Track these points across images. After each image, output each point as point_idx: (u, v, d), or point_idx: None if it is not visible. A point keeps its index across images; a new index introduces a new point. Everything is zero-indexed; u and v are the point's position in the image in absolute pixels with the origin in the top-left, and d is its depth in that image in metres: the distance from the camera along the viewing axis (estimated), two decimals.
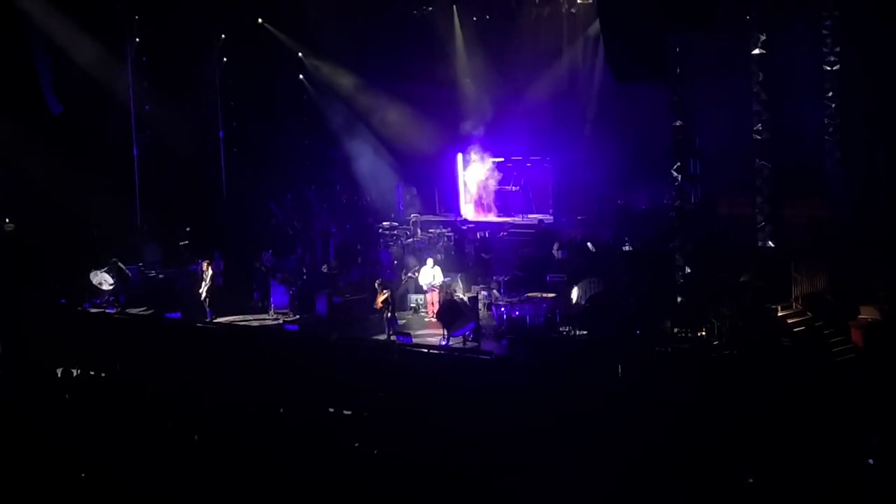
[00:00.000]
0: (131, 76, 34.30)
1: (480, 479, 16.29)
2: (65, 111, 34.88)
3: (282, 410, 20.60)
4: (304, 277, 29.04)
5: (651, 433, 18.41)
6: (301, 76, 35.84)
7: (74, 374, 25.11)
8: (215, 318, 27.83)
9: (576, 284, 25.17)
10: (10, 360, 26.30)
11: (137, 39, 34.08)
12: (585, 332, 23.41)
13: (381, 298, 25.27)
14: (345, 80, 35.33)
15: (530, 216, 31.61)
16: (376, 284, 25.63)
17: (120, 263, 30.33)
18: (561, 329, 23.94)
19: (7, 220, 35.15)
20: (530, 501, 15.65)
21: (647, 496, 15.17)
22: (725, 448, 17.60)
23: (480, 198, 33.07)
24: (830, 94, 25.33)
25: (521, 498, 15.78)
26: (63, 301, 30.52)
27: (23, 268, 32.24)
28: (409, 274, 27.52)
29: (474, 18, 34.31)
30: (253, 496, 15.94)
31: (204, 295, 28.12)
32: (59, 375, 24.73)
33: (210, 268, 28.48)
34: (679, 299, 23.07)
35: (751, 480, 15.54)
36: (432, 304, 26.11)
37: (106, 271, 30.02)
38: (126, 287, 30.06)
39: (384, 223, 31.93)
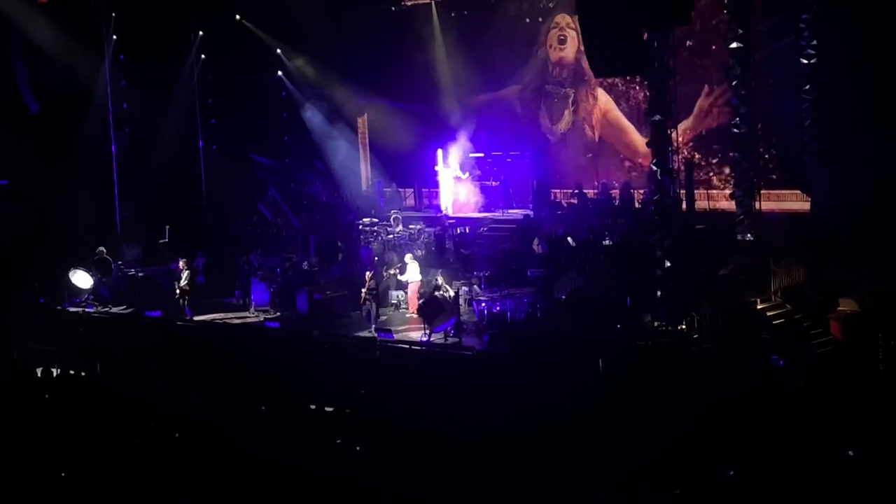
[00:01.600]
0: (109, 74, 34.15)
1: (463, 473, 16.32)
2: (42, 109, 34.73)
3: (263, 408, 20.59)
4: (287, 274, 28.95)
5: (632, 427, 18.49)
6: (280, 73, 35.73)
7: (54, 373, 25.03)
8: (194, 317, 27.74)
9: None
10: None
11: (115, 37, 33.93)
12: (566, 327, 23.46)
13: (366, 286, 25.32)
14: (324, 77, 35.24)
15: (511, 211, 31.59)
16: (366, 276, 25.67)
17: (106, 255, 30.26)
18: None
19: None
20: (513, 495, 15.70)
21: (629, 489, 15.21)
22: (706, 441, 17.69)
23: (460, 193, 33.02)
24: (808, 87, 25.37)
25: (505, 492, 15.82)
26: (42, 300, 30.40)
27: (1, 268, 32.12)
28: (391, 270, 27.52)
29: (452, 14, 34.26)
30: (234, 494, 15.93)
31: (180, 293, 28.05)
32: (38, 375, 24.67)
33: (187, 266, 28.41)
34: (659, 293, 23.11)
35: (731, 473, 15.62)
36: (413, 300, 26.10)
37: (86, 269, 29.94)
38: (108, 281, 29.94)
39: (364, 220, 31.87)
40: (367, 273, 25.80)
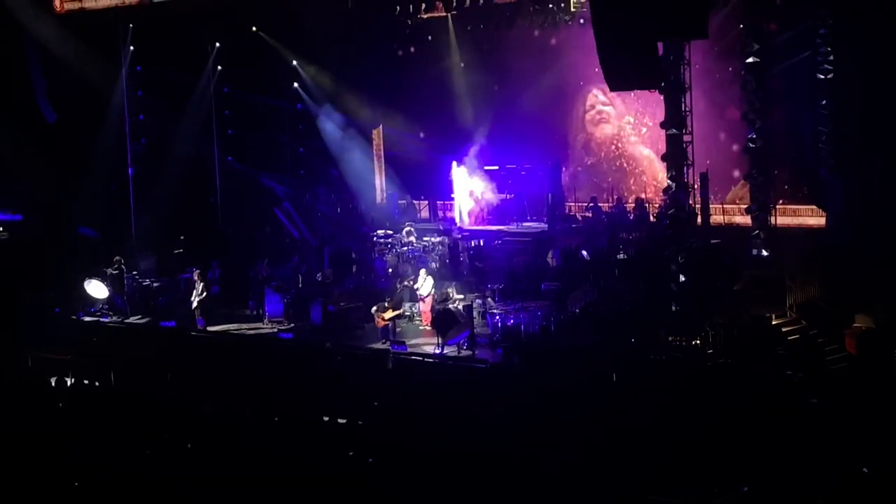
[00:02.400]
0: (125, 85, 34.26)
1: (476, 486, 16.28)
2: (59, 119, 34.89)
3: (276, 419, 20.58)
4: (300, 286, 29.02)
5: (645, 441, 18.42)
6: (296, 84, 35.79)
7: (68, 382, 25.08)
8: (208, 327, 27.78)
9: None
10: (4, 370, 26.28)
11: (132, 48, 34.04)
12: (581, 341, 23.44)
13: (389, 315, 25.23)
14: (339, 89, 35.28)
15: (525, 224, 31.58)
16: (386, 302, 25.61)
17: (123, 265, 30.34)
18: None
19: (1, 229, 35.15)
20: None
21: None
22: (720, 456, 17.61)
23: (475, 206, 33.03)
24: (824, 101, 25.31)
25: (516, 502, 15.80)
26: (57, 310, 30.48)
27: (16, 277, 32.25)
28: (405, 283, 27.52)
29: (468, 27, 34.25)
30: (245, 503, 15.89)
31: (195, 304, 28.11)
32: (53, 384, 24.70)
33: (200, 277, 28.48)
34: (674, 307, 23.05)
35: (746, 489, 15.55)
36: (426, 312, 26.08)
37: (101, 279, 30.04)
38: (122, 292, 30.01)
39: (379, 231, 31.88)
40: (387, 300, 25.73)
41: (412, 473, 16.98)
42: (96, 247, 32.99)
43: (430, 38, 35.31)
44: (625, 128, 33.06)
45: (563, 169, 33.11)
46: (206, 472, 17.53)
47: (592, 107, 33.58)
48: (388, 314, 25.28)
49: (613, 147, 33.35)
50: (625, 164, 33.12)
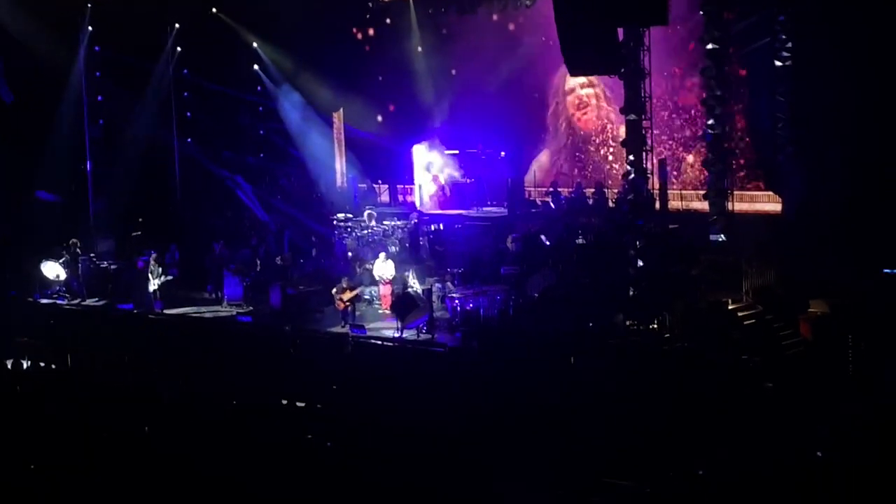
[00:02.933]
0: (83, 65, 33.97)
1: (433, 468, 16.31)
2: (16, 100, 34.54)
3: (234, 402, 20.55)
4: (258, 269, 28.96)
5: (603, 425, 18.53)
6: (256, 66, 35.63)
7: (24, 365, 24.90)
8: (165, 310, 27.68)
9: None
10: None
11: (90, 28, 33.74)
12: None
13: (348, 296, 25.20)
14: (300, 71, 35.19)
15: (485, 209, 31.64)
16: (343, 283, 25.54)
17: (78, 248, 30.17)
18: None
19: None
20: (483, 490, 15.68)
21: (598, 487, 15.21)
22: (676, 439, 17.74)
23: (436, 190, 33.06)
24: (782, 89, 25.46)
25: (474, 486, 15.81)
26: (13, 292, 30.25)
27: None
28: (365, 266, 27.51)
29: (430, 10, 34.21)
30: (202, 488, 15.83)
31: (154, 287, 28.01)
32: (9, 367, 24.51)
33: (158, 260, 28.38)
34: (632, 292, 23.16)
35: (701, 472, 15.65)
36: (386, 296, 26.08)
37: (59, 261, 29.84)
38: (78, 274, 29.85)
39: (339, 215, 31.86)
40: (344, 280, 25.67)
41: (370, 456, 17.01)
42: (54, 223, 32.72)
43: (391, 19, 35.24)
44: (611, 114, 32.70)
45: (539, 154, 33.11)
46: (164, 457, 17.50)
47: (572, 90, 33.42)
48: (347, 295, 25.22)
49: (602, 133, 33.22)
50: (611, 151, 32.90)
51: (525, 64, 33.09)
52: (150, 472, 16.51)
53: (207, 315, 27.52)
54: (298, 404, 21.41)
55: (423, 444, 18.03)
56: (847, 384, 20.21)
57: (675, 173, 29.68)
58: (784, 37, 25.03)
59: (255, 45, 35.13)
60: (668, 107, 29.91)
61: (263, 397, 21.69)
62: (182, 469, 16.59)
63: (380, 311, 26.24)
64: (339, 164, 35.48)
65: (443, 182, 33.04)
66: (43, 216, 33.97)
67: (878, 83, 22.27)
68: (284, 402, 21.31)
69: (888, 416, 17.61)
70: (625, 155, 23.78)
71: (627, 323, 22.91)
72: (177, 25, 34.31)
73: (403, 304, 24.58)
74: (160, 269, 28.28)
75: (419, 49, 34.71)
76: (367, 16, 35.40)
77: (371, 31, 35.83)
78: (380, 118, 35.70)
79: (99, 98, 34.26)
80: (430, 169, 33.00)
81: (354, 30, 35.72)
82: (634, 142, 23.40)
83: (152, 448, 18.12)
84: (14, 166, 33.76)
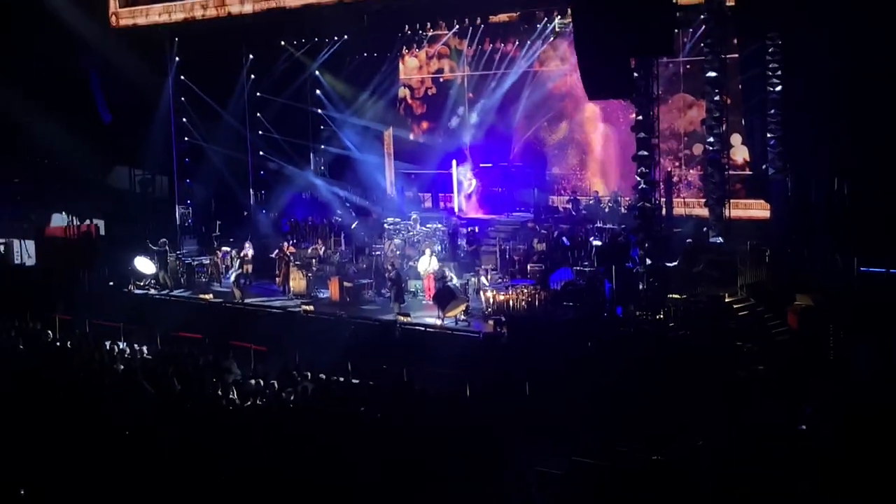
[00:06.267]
0: (171, 92, 34.34)
1: (467, 434, 16.41)
2: (114, 121, 35.03)
3: (298, 379, 20.70)
4: (320, 264, 29.15)
5: (612, 400, 18.59)
6: (318, 91, 35.81)
7: (120, 347, 25.18)
8: (244, 299, 27.92)
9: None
10: (67, 338, 26.40)
11: (177, 59, 34.09)
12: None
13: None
14: (354, 95, 35.32)
15: (514, 214, 31.67)
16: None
17: (167, 247, 30.53)
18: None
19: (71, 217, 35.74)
20: (508, 453, 15.78)
21: (608, 452, 15.21)
22: (679, 414, 17.73)
23: (472, 198, 33.13)
24: (772, 111, 25.37)
25: (501, 450, 15.91)
26: (111, 283, 30.63)
27: (75, 253, 32.54)
28: (411, 263, 27.65)
29: (466, 43, 34.21)
30: (276, 455, 15.93)
31: (232, 279, 28.35)
32: (107, 348, 24.78)
33: (236, 256, 28.72)
34: (641, 286, 23.15)
35: (700, 443, 15.66)
36: (429, 289, 26.19)
37: (152, 258, 30.22)
38: (163, 267, 30.20)
39: (389, 219, 31.98)
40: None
41: (412, 425, 17.12)
42: (147, 229, 33.12)
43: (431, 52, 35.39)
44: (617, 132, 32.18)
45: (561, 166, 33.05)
46: (242, 422, 17.71)
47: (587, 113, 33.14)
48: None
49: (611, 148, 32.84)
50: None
51: (546, 91, 32.98)
52: (227, 441, 16.67)
53: (275, 304, 27.69)
54: (353, 381, 21.56)
55: (460, 415, 18.14)
56: (828, 368, 20.15)
57: (678, 184, 29.55)
58: (774, 67, 24.90)
59: (317, 73, 35.26)
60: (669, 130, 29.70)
61: (323, 376, 21.84)
62: (257, 435, 16.77)
63: (423, 302, 26.32)
64: (389, 175, 35.59)
65: (476, 190, 33.06)
66: (139, 219, 34.53)
67: (852, 107, 22.13)
68: (342, 379, 21.46)
69: (859, 393, 17.64)
70: (635, 167, 23.71)
71: (637, 313, 22.87)
72: (250, 56, 34.55)
73: (444, 296, 24.67)
74: (238, 263, 28.57)
75: (462, 77, 34.71)
76: (414, 45, 35.45)
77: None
78: (424, 136, 35.76)
79: (184, 119, 34.60)
80: (468, 180, 33.05)
81: (404, 53, 35.77)
82: (644, 156, 23.35)
83: (243, 417, 18.36)
84: (112, 177, 34.37)
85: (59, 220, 36.99)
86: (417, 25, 33.50)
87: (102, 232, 35.93)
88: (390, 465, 14.97)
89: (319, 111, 35.94)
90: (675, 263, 23.90)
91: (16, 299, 28.89)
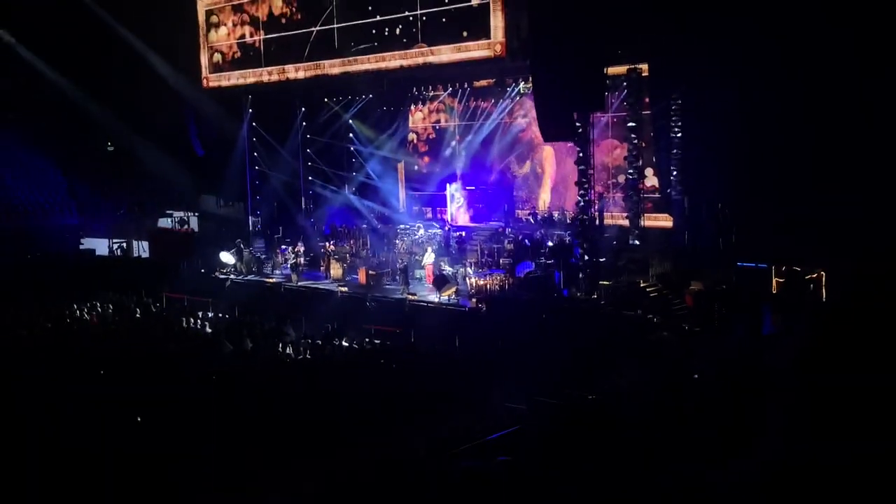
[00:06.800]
0: (247, 133, 34.31)
1: (454, 379, 16.47)
2: (205, 154, 35.02)
3: (335, 342, 20.77)
4: (351, 257, 29.16)
5: (559, 356, 18.64)
6: (351, 134, 35.75)
7: (209, 316, 25.25)
8: (298, 283, 27.92)
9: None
10: (171, 309, 26.46)
11: (250, 110, 34.10)
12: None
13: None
14: (379, 139, 35.18)
15: (490, 223, 31.65)
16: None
17: (242, 245, 30.53)
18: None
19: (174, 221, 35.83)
20: (484, 393, 15.84)
21: (557, 394, 15.19)
22: (608, 365, 17.73)
23: (460, 210, 33.06)
24: (675, 151, 25.16)
25: (478, 390, 15.96)
26: (202, 270, 30.65)
27: (178, 249, 32.56)
28: (416, 257, 27.69)
29: (457, 100, 34.11)
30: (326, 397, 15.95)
31: (289, 268, 28.38)
32: (200, 316, 24.82)
33: (292, 252, 28.77)
34: (580, 275, 23.23)
35: (623, 387, 15.67)
36: (429, 276, 26.22)
37: (232, 252, 30.24)
38: (239, 259, 30.17)
39: (401, 226, 31.98)
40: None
41: (418, 373, 17.19)
42: (228, 232, 33.21)
43: (432, 107, 35.28)
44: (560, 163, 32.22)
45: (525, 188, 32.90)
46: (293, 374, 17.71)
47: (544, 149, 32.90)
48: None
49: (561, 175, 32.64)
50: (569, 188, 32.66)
51: (514, 136, 32.89)
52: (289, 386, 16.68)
53: (320, 286, 27.70)
54: (376, 342, 21.62)
55: (449, 365, 18.21)
56: (713, 333, 20.25)
57: (607, 203, 29.56)
58: (676, 118, 24.94)
59: (350, 121, 35.20)
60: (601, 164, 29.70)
61: (355, 339, 21.91)
62: (312, 379, 16.79)
63: (425, 285, 26.38)
64: (401, 195, 35.50)
65: (464, 205, 32.97)
66: (222, 225, 34.57)
67: (730, 148, 22.15)
68: (367, 339, 21.52)
69: (735, 351, 17.75)
70: (577, 190, 23.79)
71: (577, 294, 22.97)
72: (302, 109, 34.53)
73: (440, 281, 24.74)
74: (293, 256, 28.57)
75: (455, 124, 34.63)
76: (419, 102, 35.33)
77: (421, 111, 35.76)
78: (426, 166, 35.70)
79: (254, 154, 34.57)
80: (458, 197, 32.98)
81: (413, 108, 35.65)
82: (583, 182, 23.45)
83: (296, 367, 18.35)
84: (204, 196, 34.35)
85: (164, 223, 37.08)
86: (421, 88, 33.48)
87: (196, 231, 35.98)
88: (400, 400, 15.06)
89: (352, 147, 35.70)
90: (604, 259, 23.95)
91: (135, 282, 28.96)
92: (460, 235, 29.73)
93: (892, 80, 19.03)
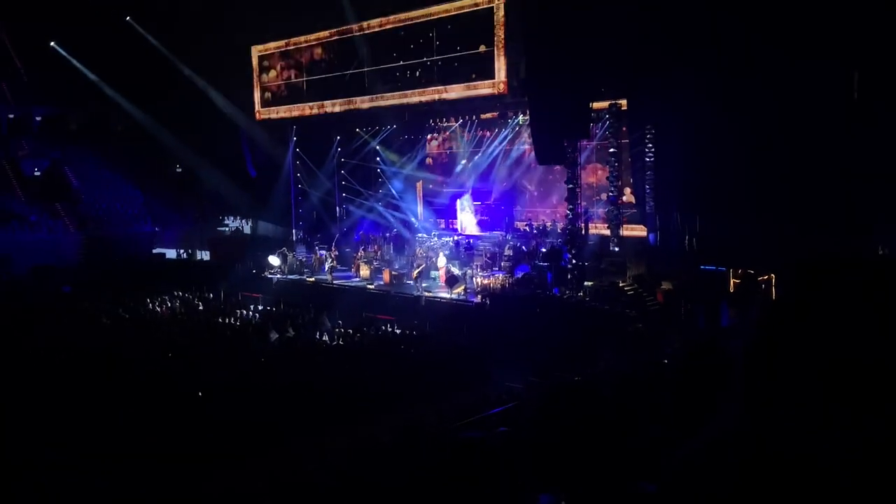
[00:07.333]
0: (291, 158, 34.48)
1: (461, 362, 16.43)
2: (258, 175, 35.22)
3: (364, 329, 20.78)
4: (377, 260, 29.18)
5: (550, 344, 18.58)
6: (378, 158, 35.84)
7: (259, 308, 25.33)
8: (333, 281, 27.99)
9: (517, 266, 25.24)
10: (227, 302, 26.48)
11: (294, 138, 34.25)
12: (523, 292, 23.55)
13: (415, 273, 25.17)
14: (401, 161, 35.21)
15: (494, 232, 31.58)
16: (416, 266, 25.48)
17: (286, 250, 30.64)
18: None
19: (226, 229, 35.80)
20: (485, 373, 15.80)
21: (548, 376, 15.16)
22: (590, 353, 17.65)
23: (469, 222, 33.02)
24: (649, 173, 24.98)
25: (482, 371, 15.91)
26: (254, 271, 30.78)
27: (234, 254, 32.67)
28: (432, 260, 27.68)
29: (467, 129, 34.09)
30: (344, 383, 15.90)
31: (326, 269, 28.44)
32: (252, 309, 24.91)
33: (328, 255, 28.82)
34: (569, 276, 23.18)
35: (604, 370, 15.58)
36: (442, 276, 26.22)
37: (278, 256, 30.34)
38: (284, 262, 30.29)
39: (419, 235, 32.00)
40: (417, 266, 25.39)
41: (429, 357, 17.16)
42: (274, 241, 33.31)
43: (445, 135, 35.27)
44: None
45: (522, 202, 32.79)
46: (329, 358, 17.68)
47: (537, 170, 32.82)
48: (415, 273, 25.30)
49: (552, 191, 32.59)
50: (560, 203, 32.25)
51: (513, 160, 32.80)
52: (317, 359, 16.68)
53: (352, 285, 27.74)
54: (396, 331, 21.63)
55: (459, 351, 18.18)
56: (680, 324, 20.19)
57: (592, 216, 29.41)
58: (651, 145, 24.85)
59: (377, 147, 35.28)
60: (586, 183, 29.56)
61: (381, 330, 21.89)
62: (351, 359, 16.79)
63: (439, 284, 26.37)
64: (420, 209, 35.52)
65: (472, 217, 32.91)
66: (270, 235, 34.63)
67: (697, 171, 22.03)
68: (390, 329, 21.52)
69: (698, 338, 17.58)
70: (567, 205, 23.72)
71: (566, 292, 22.92)
72: (337, 137, 34.67)
73: (451, 280, 24.74)
74: (330, 259, 28.63)
75: (462, 145, 34.58)
76: (434, 132, 35.32)
77: (435, 139, 35.76)
78: (441, 185, 35.66)
79: (298, 174, 34.71)
80: (466, 209, 32.94)
81: (429, 137, 35.60)
82: (572, 198, 23.41)
83: (331, 352, 18.33)
84: (256, 213, 34.40)
85: (222, 231, 37.27)
86: (437, 120, 33.48)
87: (249, 235, 36.13)
88: (418, 379, 15.08)
89: (378, 169, 35.81)
90: (589, 263, 23.90)
91: (197, 280, 29.13)
92: (468, 242, 29.73)
93: (820, 121, 18.89)
